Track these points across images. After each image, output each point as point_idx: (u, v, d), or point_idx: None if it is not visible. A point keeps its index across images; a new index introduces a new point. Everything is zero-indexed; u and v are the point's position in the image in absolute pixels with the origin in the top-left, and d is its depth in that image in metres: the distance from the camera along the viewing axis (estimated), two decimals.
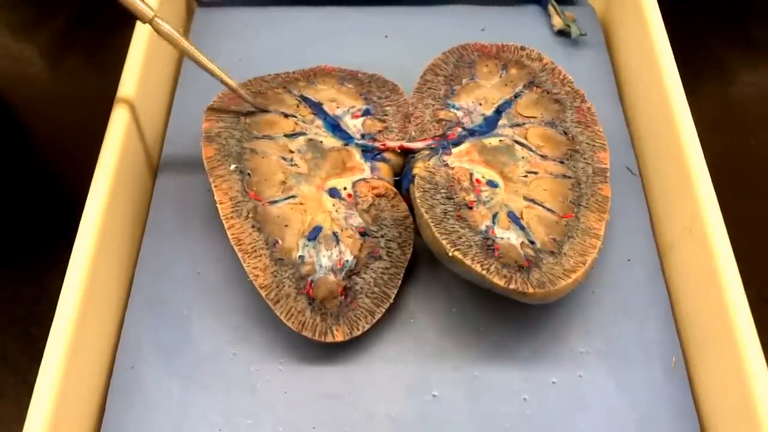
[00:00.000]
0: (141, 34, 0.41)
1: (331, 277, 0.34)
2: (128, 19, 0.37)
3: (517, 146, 0.38)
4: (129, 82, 0.39)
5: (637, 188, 0.41)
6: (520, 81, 0.42)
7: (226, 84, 0.38)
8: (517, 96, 0.41)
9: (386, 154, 0.39)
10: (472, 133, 0.39)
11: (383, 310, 0.34)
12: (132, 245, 0.39)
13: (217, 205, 0.35)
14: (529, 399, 0.34)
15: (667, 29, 0.42)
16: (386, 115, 0.40)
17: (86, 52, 0.51)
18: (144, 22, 0.35)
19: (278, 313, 0.33)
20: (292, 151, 0.38)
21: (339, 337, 0.33)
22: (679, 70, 0.40)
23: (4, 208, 0.45)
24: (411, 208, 0.37)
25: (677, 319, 0.37)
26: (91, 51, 0.51)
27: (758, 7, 0.55)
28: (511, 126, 0.39)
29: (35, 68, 0.50)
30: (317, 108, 0.40)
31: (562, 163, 0.38)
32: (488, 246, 0.33)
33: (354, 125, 0.40)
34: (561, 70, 0.42)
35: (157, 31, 0.36)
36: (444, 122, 0.40)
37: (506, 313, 0.36)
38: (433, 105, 0.41)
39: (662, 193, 0.40)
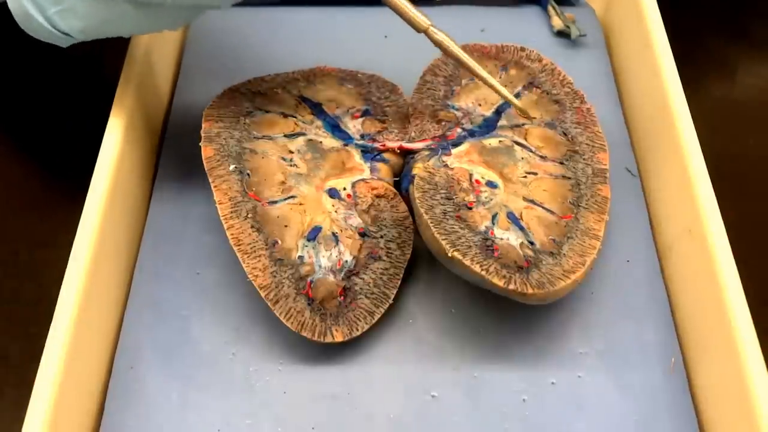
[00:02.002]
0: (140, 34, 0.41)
1: (331, 278, 0.34)
2: None
3: (517, 147, 0.38)
4: (128, 83, 0.39)
5: (636, 189, 0.41)
6: (519, 82, 0.42)
7: (508, 99, 0.37)
8: (516, 97, 0.41)
9: (386, 155, 0.39)
10: (471, 133, 0.39)
11: (382, 311, 0.34)
12: (131, 245, 0.39)
13: (217, 205, 0.35)
14: (528, 400, 0.34)
15: (667, 30, 0.42)
16: (386, 115, 0.40)
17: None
18: (419, 31, 0.36)
19: (277, 314, 0.33)
20: (291, 152, 0.38)
21: (338, 338, 0.33)
22: (678, 71, 0.40)
23: (3, 207, 0.45)
24: (410, 208, 0.37)
25: (676, 321, 0.37)
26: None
27: (759, 7, 0.55)
28: (511, 127, 0.39)
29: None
30: (317, 108, 0.40)
31: (561, 164, 0.38)
32: (488, 246, 0.33)
33: (353, 126, 0.40)
34: (561, 71, 0.42)
35: (432, 39, 0.36)
36: (443, 123, 0.40)
37: (505, 314, 0.36)
38: (433, 105, 0.41)
39: (662, 194, 0.40)
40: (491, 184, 0.37)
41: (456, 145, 0.38)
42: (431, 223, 0.33)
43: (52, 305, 0.31)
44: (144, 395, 0.34)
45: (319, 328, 0.33)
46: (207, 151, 0.36)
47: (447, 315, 0.36)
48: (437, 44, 0.36)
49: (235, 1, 0.33)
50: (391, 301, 0.35)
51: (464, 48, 0.43)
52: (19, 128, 0.48)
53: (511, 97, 0.38)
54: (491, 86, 0.37)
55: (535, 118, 0.39)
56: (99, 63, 0.51)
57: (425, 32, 0.36)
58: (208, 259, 0.38)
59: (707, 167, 0.36)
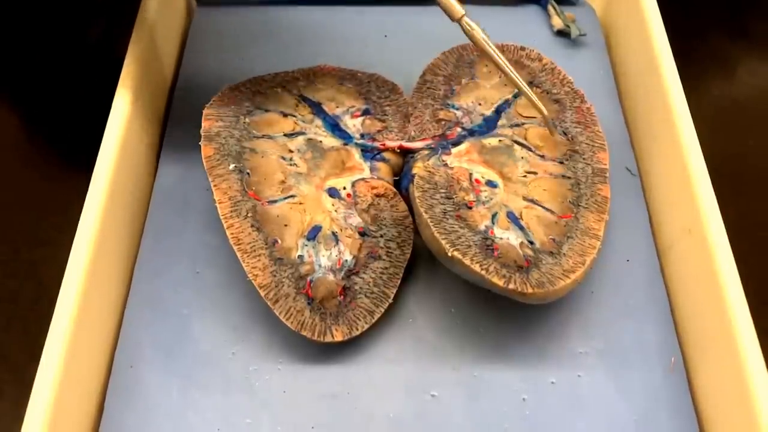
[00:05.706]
0: (140, 33, 0.41)
1: (331, 277, 0.34)
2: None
3: (517, 146, 0.38)
4: (128, 81, 0.39)
5: (636, 188, 0.41)
6: None
7: (524, 93, 0.36)
8: (516, 96, 0.41)
9: (386, 154, 0.39)
10: (471, 133, 0.39)
11: (382, 310, 0.34)
12: (131, 244, 0.39)
13: (216, 204, 0.35)
14: (528, 399, 0.34)
15: (666, 29, 0.42)
16: (386, 114, 0.40)
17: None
18: (453, 20, 0.36)
19: (277, 313, 0.33)
20: (291, 151, 0.38)
21: (338, 337, 0.33)
22: (678, 70, 0.40)
23: (4, 206, 0.45)
24: (410, 207, 0.37)
25: (676, 320, 0.37)
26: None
27: (759, 6, 0.55)
28: (511, 126, 0.39)
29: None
30: (317, 107, 0.40)
31: (561, 163, 0.38)
32: (487, 246, 0.33)
33: (353, 125, 0.40)
34: (560, 71, 0.42)
35: (464, 30, 0.36)
36: (443, 122, 0.40)
37: (505, 314, 0.36)
38: (433, 105, 0.41)
39: (662, 193, 0.40)
40: (491, 184, 0.37)
41: (456, 144, 0.38)
42: (431, 222, 0.33)
43: (52, 305, 0.31)
44: (144, 394, 0.34)
45: (319, 328, 0.33)
46: (207, 150, 0.36)
47: (447, 314, 0.36)
48: (468, 35, 0.36)
49: None
50: (390, 301, 0.35)
51: (464, 47, 0.43)
52: (19, 128, 0.48)
53: (535, 99, 0.36)
54: (514, 83, 0.36)
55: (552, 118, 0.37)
56: (99, 62, 0.51)
57: (458, 21, 0.36)
58: (208, 258, 0.38)
59: (707, 167, 0.36)
